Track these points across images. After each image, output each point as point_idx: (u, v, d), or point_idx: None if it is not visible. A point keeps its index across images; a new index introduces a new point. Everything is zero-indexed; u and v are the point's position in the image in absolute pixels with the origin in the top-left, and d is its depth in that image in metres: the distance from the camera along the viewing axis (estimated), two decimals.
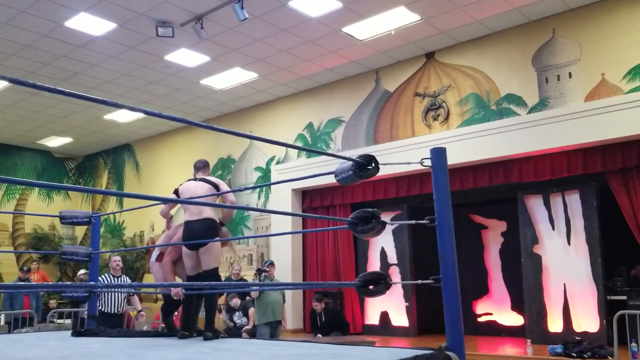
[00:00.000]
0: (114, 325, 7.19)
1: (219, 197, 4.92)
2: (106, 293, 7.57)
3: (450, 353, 3.08)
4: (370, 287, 3.17)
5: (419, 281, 3.44)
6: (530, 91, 8.33)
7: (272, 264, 8.31)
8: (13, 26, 8.18)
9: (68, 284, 2.73)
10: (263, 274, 7.98)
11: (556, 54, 8.13)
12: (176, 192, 4.82)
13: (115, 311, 7.62)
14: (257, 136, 2.83)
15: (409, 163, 3.54)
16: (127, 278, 8.38)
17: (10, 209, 14.37)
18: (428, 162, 3.31)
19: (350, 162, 3.20)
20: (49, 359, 3.53)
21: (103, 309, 7.57)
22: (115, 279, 7.88)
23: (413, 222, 3.41)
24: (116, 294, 7.66)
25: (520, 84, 8.43)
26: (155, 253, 5.07)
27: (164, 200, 4.78)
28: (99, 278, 8.07)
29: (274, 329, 7.89)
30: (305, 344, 3.88)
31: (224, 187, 4.85)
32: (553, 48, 8.17)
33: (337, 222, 8.15)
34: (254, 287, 7.94)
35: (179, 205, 4.91)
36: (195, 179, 4.86)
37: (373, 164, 3.18)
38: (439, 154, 3.33)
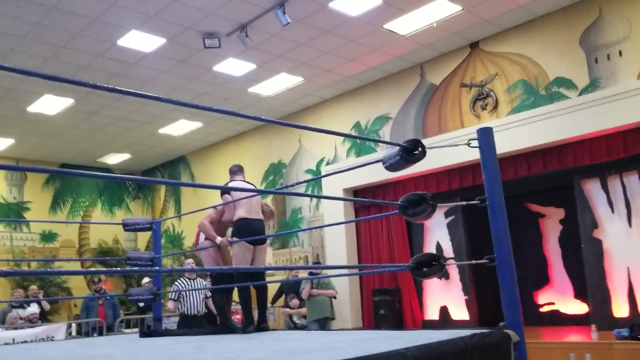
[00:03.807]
0: (194, 326, 7.24)
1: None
2: (186, 296, 7.91)
3: (508, 331, 3.09)
4: (425, 268, 3.19)
5: (473, 261, 3.47)
6: (579, 73, 8.15)
7: (317, 263, 9.59)
8: (69, 49, 8.61)
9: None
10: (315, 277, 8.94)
11: (604, 33, 7.93)
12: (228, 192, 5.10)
13: (195, 313, 7.92)
14: (313, 127, 2.94)
15: (455, 145, 3.56)
16: (203, 280, 8.41)
17: (76, 226, 15.05)
18: (475, 143, 3.34)
19: (397, 148, 3.25)
20: (119, 355, 3.74)
21: (184, 312, 7.92)
22: (191, 282, 8.18)
23: (463, 203, 3.45)
24: (195, 296, 7.95)
25: (569, 66, 8.25)
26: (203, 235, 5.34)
27: (222, 189, 5.01)
28: (175, 283, 8.42)
29: (323, 325, 8.58)
30: (364, 331, 3.96)
31: None
32: (601, 27, 7.97)
33: (388, 211, 8.26)
34: (308, 277, 8.43)
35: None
36: (243, 181, 5.34)
37: (420, 148, 3.22)
38: (485, 133, 3.35)
